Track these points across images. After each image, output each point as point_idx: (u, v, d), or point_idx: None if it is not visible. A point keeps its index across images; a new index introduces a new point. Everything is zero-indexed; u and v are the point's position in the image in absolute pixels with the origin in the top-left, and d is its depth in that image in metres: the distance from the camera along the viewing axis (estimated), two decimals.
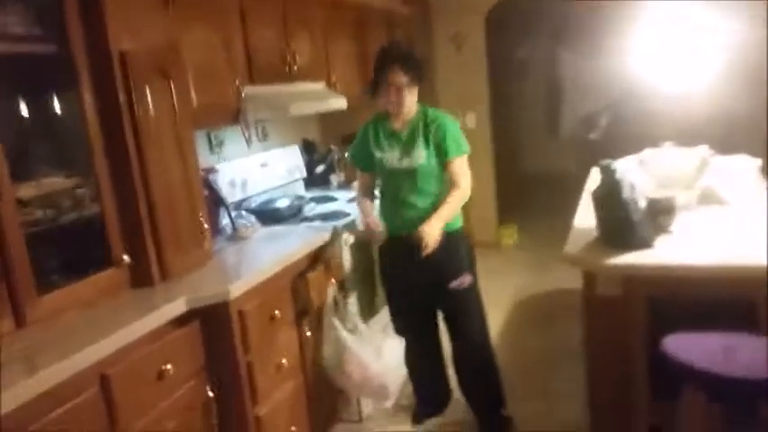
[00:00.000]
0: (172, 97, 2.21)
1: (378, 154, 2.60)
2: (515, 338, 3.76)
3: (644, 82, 5.99)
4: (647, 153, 3.65)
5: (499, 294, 4.25)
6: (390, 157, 2.57)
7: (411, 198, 2.56)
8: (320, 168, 3.83)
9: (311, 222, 2.97)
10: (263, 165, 3.34)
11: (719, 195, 2.80)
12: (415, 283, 2.64)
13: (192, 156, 2.33)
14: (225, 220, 2.77)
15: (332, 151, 3.90)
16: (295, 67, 3.10)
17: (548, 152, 7.81)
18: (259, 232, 2.85)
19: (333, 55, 3.54)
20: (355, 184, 3.94)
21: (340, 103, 3.31)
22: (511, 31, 6.41)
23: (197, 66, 2.45)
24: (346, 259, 2.84)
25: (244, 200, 3.11)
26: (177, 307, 1.99)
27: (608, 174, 2.30)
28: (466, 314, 2.67)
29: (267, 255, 2.51)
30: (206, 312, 2.08)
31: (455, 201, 2.51)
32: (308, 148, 3.88)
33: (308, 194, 3.63)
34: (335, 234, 2.73)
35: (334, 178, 3.90)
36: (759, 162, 2.97)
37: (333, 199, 3.52)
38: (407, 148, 2.53)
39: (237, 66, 2.71)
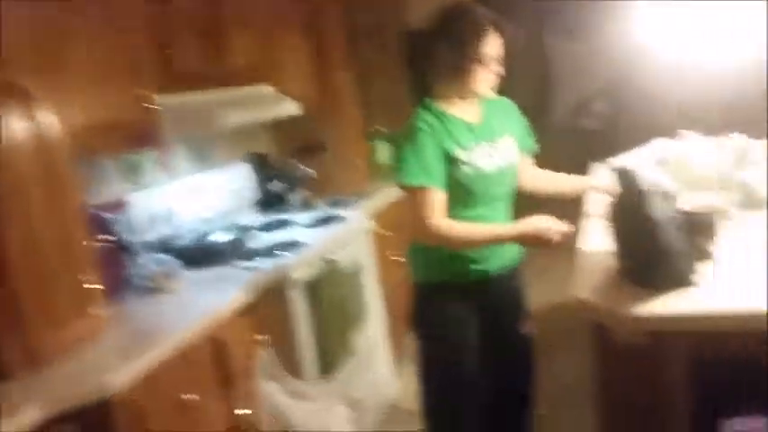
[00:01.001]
0: (33, 119, 1.62)
1: (463, 155, 1.80)
2: None
3: (643, 63, 5.44)
4: (661, 145, 3.07)
5: None
6: (479, 156, 1.83)
7: (507, 214, 1.96)
8: (276, 186, 3.23)
9: (252, 261, 2.37)
10: (196, 190, 2.74)
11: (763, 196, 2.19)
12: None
13: (72, 195, 1.74)
14: (138, 269, 2.18)
15: (289, 165, 3.30)
16: (227, 68, 2.51)
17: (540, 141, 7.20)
18: (186, 279, 2.26)
19: (281, 51, 2.94)
20: (321, 202, 3.40)
21: (290, 108, 2.72)
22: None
23: (81, 71, 1.86)
24: (297, 307, 2.25)
25: (169, 238, 2.52)
26: (27, 416, 1.39)
27: (627, 182, 1.72)
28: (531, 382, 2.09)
29: (183, 316, 1.92)
30: (84, 414, 1.49)
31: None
32: (259, 164, 3.29)
33: (259, 220, 3.04)
34: (279, 278, 2.14)
35: (294, 197, 3.31)
36: None
37: (286, 224, 2.92)
38: (492, 140, 1.88)
39: (143, 69, 2.11)
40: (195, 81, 2.35)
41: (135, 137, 2.10)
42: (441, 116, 1.84)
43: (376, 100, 3.78)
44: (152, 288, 2.15)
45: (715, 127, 2.87)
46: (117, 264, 2.07)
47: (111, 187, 2.37)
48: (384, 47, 3.96)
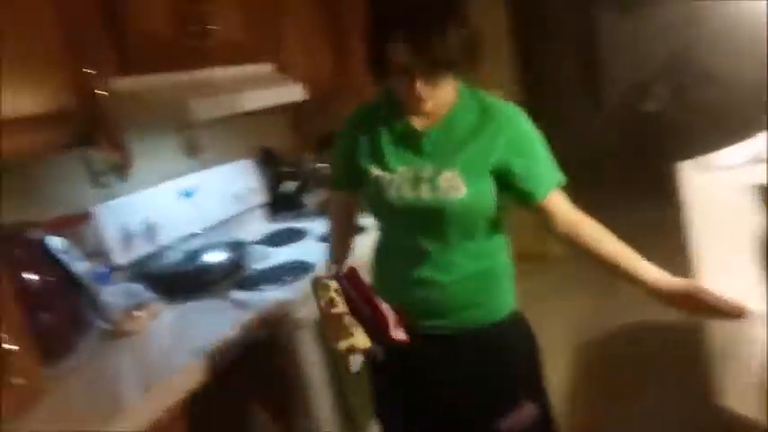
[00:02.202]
0: None
1: (373, 170, 1.38)
2: (571, 420, 2.44)
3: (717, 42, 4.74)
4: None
5: (548, 337, 3.04)
6: (398, 179, 1.35)
7: (433, 265, 1.37)
8: (288, 186, 2.70)
9: (252, 290, 1.84)
10: (187, 194, 2.22)
11: None
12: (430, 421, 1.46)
13: None
14: (99, 306, 1.66)
15: (304, 162, 2.76)
16: (210, 43, 1.96)
17: (588, 131, 6.55)
18: (163, 317, 1.74)
19: (281, 19, 2.38)
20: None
21: (292, 93, 2.17)
22: None
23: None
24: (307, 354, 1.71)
25: (151, 256, 2.01)
26: None
27: None
28: None
29: (150, 373, 1.40)
30: None
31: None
32: (269, 161, 2.75)
33: (266, 229, 2.51)
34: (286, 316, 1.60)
35: (310, 199, 2.77)
36: None
37: (299, 235, 2.38)
38: (435, 164, 1.33)
39: (89, 42, 1.58)
40: (164, 59, 1.81)
41: (84, 132, 1.58)
42: (381, 109, 1.41)
43: None
44: (115, 331, 1.64)
45: None
46: (66, 302, 1.55)
47: (70, 197, 1.87)
48: None
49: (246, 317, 1.63)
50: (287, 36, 2.39)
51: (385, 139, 1.37)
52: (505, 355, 1.40)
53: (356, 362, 1.36)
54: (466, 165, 1.30)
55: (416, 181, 1.32)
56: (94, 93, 1.57)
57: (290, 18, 2.43)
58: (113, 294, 1.73)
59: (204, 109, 1.72)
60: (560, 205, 1.33)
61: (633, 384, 2.73)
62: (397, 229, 1.42)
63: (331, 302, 1.30)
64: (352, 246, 1.62)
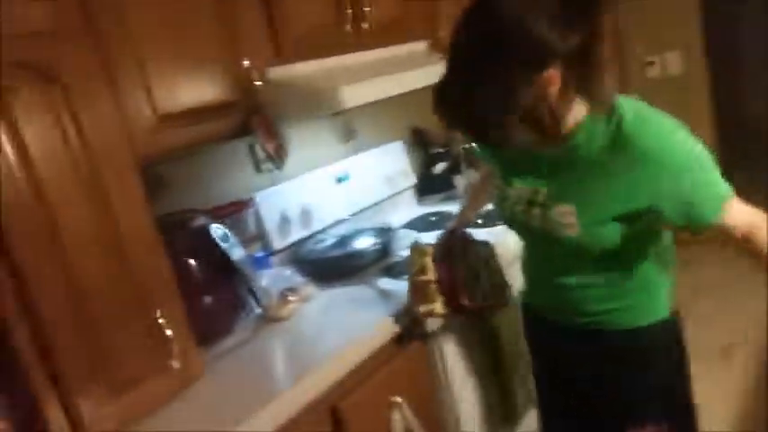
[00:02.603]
0: (78, 120, 1.19)
1: (495, 173, 1.36)
2: None
3: None
4: None
5: (726, 341, 2.73)
6: (514, 195, 1.27)
7: (565, 270, 1.29)
8: (439, 167, 2.63)
9: (395, 279, 1.81)
10: (342, 179, 2.23)
11: None
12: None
13: (139, 211, 1.30)
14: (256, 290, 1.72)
15: (454, 142, 2.67)
16: (365, 26, 1.93)
17: None
18: (314, 302, 1.77)
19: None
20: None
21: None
22: None
23: (155, 42, 1.41)
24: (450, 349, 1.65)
25: (304, 240, 2.05)
26: None
27: None
28: None
29: (305, 360, 1.43)
30: None
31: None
32: (419, 142, 2.70)
33: (417, 213, 2.47)
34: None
35: (460, 180, 2.67)
36: None
37: (450, 219, 2.30)
38: (551, 191, 1.20)
39: (247, 35, 1.62)
40: (320, 46, 1.81)
41: (244, 122, 1.62)
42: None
43: None
44: (269, 315, 1.69)
45: None
46: (225, 287, 1.62)
47: (232, 185, 1.95)
48: None
49: (393, 307, 1.60)
50: (441, 11, 2.29)
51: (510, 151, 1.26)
52: (639, 362, 1.26)
53: (432, 324, 1.59)
54: (583, 204, 1.14)
55: (531, 203, 1.23)
56: (252, 83, 1.60)
57: None
58: (269, 279, 1.79)
59: (355, 94, 1.69)
60: (731, 220, 1.09)
61: None
62: (522, 232, 1.35)
63: (422, 270, 1.47)
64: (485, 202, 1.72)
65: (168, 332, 1.31)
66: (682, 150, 1.06)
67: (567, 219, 1.16)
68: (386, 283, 1.80)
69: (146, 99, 1.38)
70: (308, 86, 1.68)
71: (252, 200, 1.97)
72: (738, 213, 1.10)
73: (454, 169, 2.65)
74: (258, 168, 2.08)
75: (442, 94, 1.09)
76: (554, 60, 1.00)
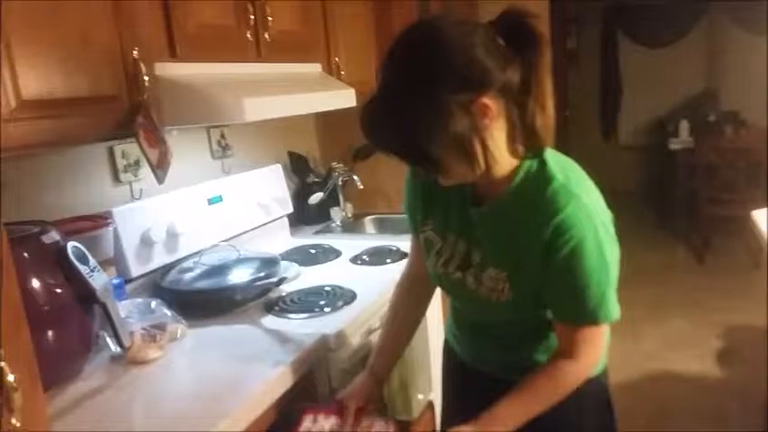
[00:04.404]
0: None
1: (425, 230, 1.23)
2: None
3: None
4: None
5: None
6: (447, 250, 1.18)
7: (484, 323, 1.24)
8: (316, 198, 2.47)
9: (279, 317, 1.61)
10: (215, 200, 1.99)
11: None
12: None
13: None
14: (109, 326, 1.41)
15: (334, 172, 2.53)
16: (266, 36, 1.74)
17: (603, 164, 6.40)
18: (185, 341, 1.51)
19: (335, 21, 2.17)
20: (370, 222, 2.65)
21: (346, 98, 1.95)
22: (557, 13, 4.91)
23: (27, 15, 1.11)
24: None
25: (168, 267, 1.77)
26: None
27: None
28: None
29: (163, 420, 1.15)
30: None
31: (553, 386, 1.10)
32: (297, 168, 2.53)
33: (291, 243, 2.28)
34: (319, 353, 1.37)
35: (337, 213, 2.54)
36: None
37: (331, 254, 2.15)
38: (483, 251, 1.13)
39: (139, 20, 1.35)
40: (218, 49, 1.59)
41: (123, 122, 1.35)
42: None
43: None
44: (128, 355, 1.40)
45: None
46: (77, 320, 1.30)
47: (89, 195, 1.63)
48: None
49: (283, 354, 1.40)
50: (338, 38, 2.17)
51: (440, 198, 1.18)
52: (568, 420, 1.19)
53: None
54: (514, 269, 1.08)
55: (465, 263, 1.15)
56: (140, 78, 1.34)
57: (340, 16, 2.20)
58: (128, 311, 1.50)
59: (259, 108, 1.50)
60: (569, 333, 1.08)
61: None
62: (452, 290, 1.25)
63: None
64: (412, 330, 1.37)
65: (10, 378, 0.99)
66: (588, 261, 1.01)
67: (498, 284, 1.10)
68: (269, 322, 1.59)
69: (10, 81, 1.07)
70: (206, 91, 1.45)
71: (109, 216, 1.65)
72: (588, 337, 1.08)
73: (331, 201, 2.51)
74: (117, 178, 1.77)
75: (372, 113, 0.99)
76: (489, 89, 0.96)
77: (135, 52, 1.33)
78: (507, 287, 1.09)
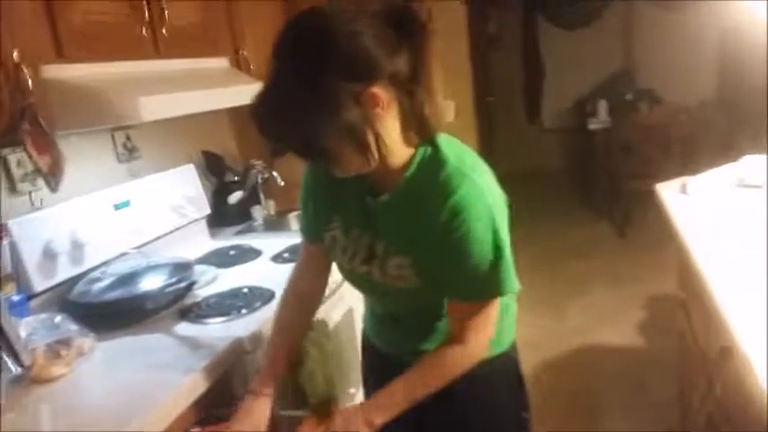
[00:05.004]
0: None
1: (331, 229, 1.21)
2: None
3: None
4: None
5: None
6: (352, 246, 1.17)
7: (397, 313, 1.26)
8: (234, 197, 2.41)
9: (194, 323, 1.57)
10: (121, 206, 1.90)
11: None
12: None
13: None
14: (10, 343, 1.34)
15: (253, 169, 2.48)
16: (164, 31, 1.68)
17: (528, 147, 6.57)
18: (93, 356, 1.44)
19: (240, 12, 2.11)
20: (294, 218, 2.60)
21: (253, 93, 1.89)
22: None
23: None
24: None
25: (75, 280, 1.69)
26: None
27: None
28: None
29: None
30: None
31: (440, 371, 1.12)
32: (214, 168, 2.46)
33: (210, 245, 2.22)
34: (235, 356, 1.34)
35: (258, 211, 2.50)
36: None
37: (250, 254, 2.11)
38: (386, 241, 1.13)
39: (19, 21, 1.27)
40: (110, 47, 1.52)
41: (7, 129, 1.27)
42: None
43: None
44: (32, 375, 1.32)
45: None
46: None
47: None
48: None
49: (197, 360, 1.36)
50: (245, 29, 2.12)
51: (347, 192, 1.16)
52: (483, 396, 1.23)
53: None
54: (417, 255, 1.09)
55: (369, 255, 1.14)
56: (23, 82, 1.26)
57: (244, 8, 2.15)
58: (30, 328, 1.42)
59: (156, 107, 1.44)
60: (459, 311, 1.11)
61: (586, 409, 2.67)
62: (361, 284, 1.26)
63: None
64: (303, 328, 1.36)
65: None
66: (482, 239, 1.02)
67: (404, 272, 1.11)
68: (184, 328, 1.54)
69: None
70: (96, 93, 1.38)
71: (5, 228, 1.56)
72: (478, 315, 1.09)
73: (252, 199, 2.46)
74: (14, 189, 1.67)
75: (262, 105, 0.98)
76: (379, 78, 0.95)
77: (15, 54, 1.25)
78: (413, 273, 1.10)
